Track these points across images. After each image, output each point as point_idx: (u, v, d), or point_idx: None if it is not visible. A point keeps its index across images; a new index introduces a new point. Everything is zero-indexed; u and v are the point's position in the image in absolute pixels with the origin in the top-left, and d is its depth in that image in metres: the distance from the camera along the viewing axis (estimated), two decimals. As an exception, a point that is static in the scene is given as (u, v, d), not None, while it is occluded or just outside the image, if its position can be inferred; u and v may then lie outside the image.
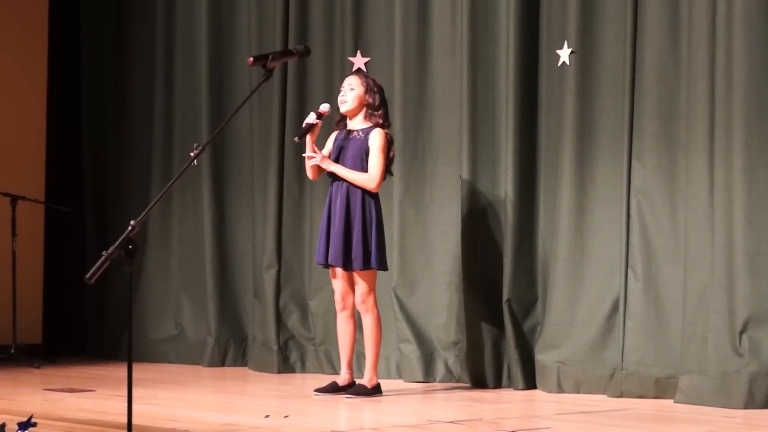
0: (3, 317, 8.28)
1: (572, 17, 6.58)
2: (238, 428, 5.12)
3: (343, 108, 6.42)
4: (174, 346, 8.41)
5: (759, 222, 5.85)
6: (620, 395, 6.25)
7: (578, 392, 6.43)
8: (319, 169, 6.43)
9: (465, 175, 6.98)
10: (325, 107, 6.42)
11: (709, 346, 5.90)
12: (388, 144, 6.41)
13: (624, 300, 6.31)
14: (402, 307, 7.22)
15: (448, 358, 7.09)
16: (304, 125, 6.35)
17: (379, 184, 6.35)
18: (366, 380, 6.39)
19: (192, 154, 4.67)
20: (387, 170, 6.41)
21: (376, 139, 6.35)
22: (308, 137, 6.34)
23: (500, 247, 6.88)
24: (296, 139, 6.43)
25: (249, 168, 8.17)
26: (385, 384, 6.59)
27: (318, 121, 6.34)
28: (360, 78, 6.46)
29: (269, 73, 5.18)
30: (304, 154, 6.44)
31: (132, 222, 4.30)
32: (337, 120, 6.52)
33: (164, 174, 8.51)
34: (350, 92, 6.40)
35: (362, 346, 6.59)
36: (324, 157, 6.37)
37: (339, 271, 6.39)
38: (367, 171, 6.34)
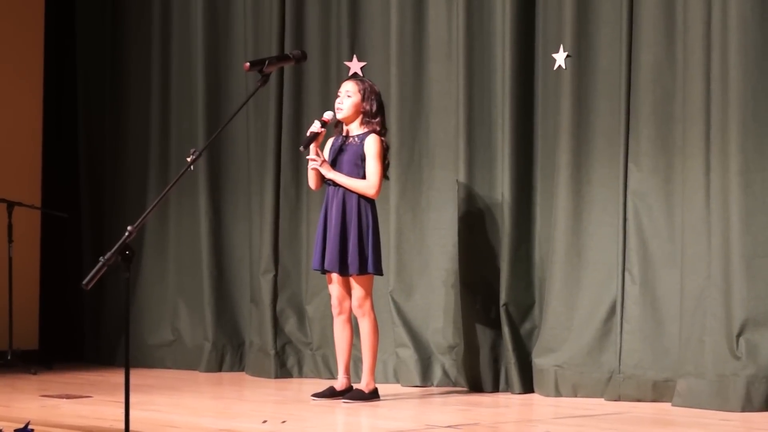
0: (0, 323, 8.27)
1: (568, 21, 6.58)
2: (235, 433, 5.12)
3: (340, 116, 6.42)
4: (171, 352, 8.40)
5: (755, 224, 5.85)
6: (618, 399, 6.24)
7: (576, 396, 6.42)
8: (321, 178, 6.42)
9: (461, 178, 6.98)
10: (328, 115, 6.42)
11: (707, 349, 5.90)
12: (384, 150, 6.41)
13: (621, 303, 6.31)
14: (399, 311, 7.22)
15: (446, 362, 7.08)
16: (308, 134, 6.35)
17: (379, 191, 6.36)
18: (363, 385, 6.39)
19: (189, 159, 4.67)
20: (383, 175, 6.42)
21: (371, 146, 6.35)
22: (312, 145, 6.35)
23: (497, 250, 6.88)
24: (301, 148, 6.43)
25: (246, 173, 8.16)
26: (383, 388, 6.59)
27: (322, 129, 6.35)
28: (357, 84, 6.45)
29: (266, 78, 5.19)
30: (307, 157, 6.42)
31: (129, 228, 4.30)
32: (334, 125, 6.51)
33: (161, 179, 8.51)
34: (347, 99, 6.40)
35: (359, 350, 6.59)
36: (324, 161, 6.37)
37: (335, 276, 6.39)
38: (362, 177, 6.35)
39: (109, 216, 8.86)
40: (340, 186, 6.35)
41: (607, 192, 6.47)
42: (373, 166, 6.34)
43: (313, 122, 6.41)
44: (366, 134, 6.39)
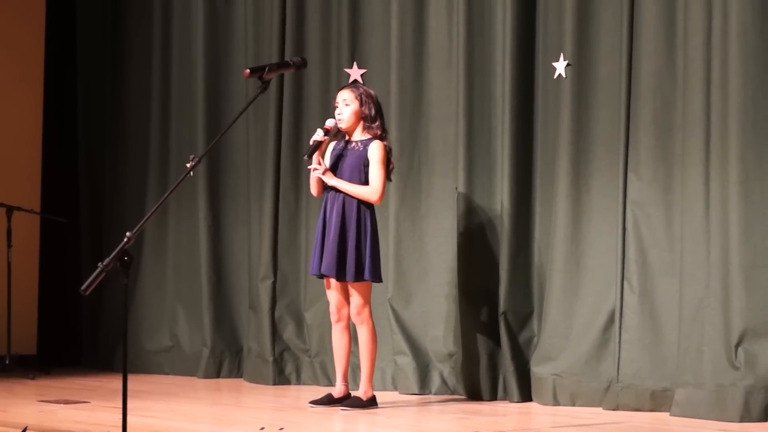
0: (-2, 328, 8.27)
1: (568, 29, 6.59)
2: (233, 440, 5.11)
3: (342, 125, 6.43)
4: (169, 358, 8.39)
5: (754, 234, 5.85)
6: (616, 408, 6.24)
7: (574, 405, 6.42)
8: (323, 184, 6.42)
9: (461, 186, 6.98)
10: (330, 123, 6.42)
11: (705, 358, 5.89)
12: (387, 155, 6.42)
13: (620, 312, 6.31)
14: (398, 318, 7.21)
15: (444, 370, 7.08)
16: (311, 142, 6.36)
17: (382, 197, 6.37)
18: (361, 392, 6.38)
19: (188, 165, 4.67)
20: (387, 180, 6.42)
21: (375, 152, 6.36)
22: (315, 154, 6.35)
23: (496, 258, 6.88)
24: (305, 157, 6.43)
25: (245, 179, 8.16)
26: (381, 396, 6.58)
27: (325, 137, 6.35)
28: (353, 91, 6.46)
29: (266, 85, 5.19)
30: (309, 167, 6.43)
31: (128, 233, 4.30)
32: (335, 133, 6.51)
33: (160, 185, 8.51)
34: (346, 108, 6.41)
35: (358, 358, 6.58)
36: (326, 169, 6.37)
37: (334, 282, 6.38)
38: (364, 182, 6.35)
39: (108, 221, 8.86)
40: (339, 191, 6.35)
41: (607, 201, 6.47)
42: (376, 172, 6.35)
43: (315, 131, 6.41)
44: (369, 140, 6.40)
